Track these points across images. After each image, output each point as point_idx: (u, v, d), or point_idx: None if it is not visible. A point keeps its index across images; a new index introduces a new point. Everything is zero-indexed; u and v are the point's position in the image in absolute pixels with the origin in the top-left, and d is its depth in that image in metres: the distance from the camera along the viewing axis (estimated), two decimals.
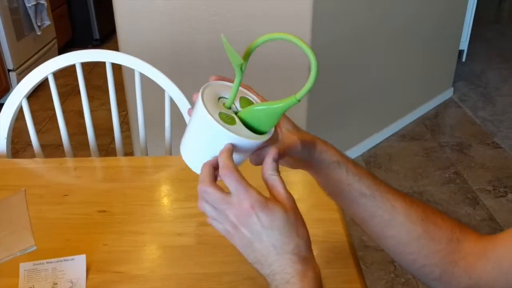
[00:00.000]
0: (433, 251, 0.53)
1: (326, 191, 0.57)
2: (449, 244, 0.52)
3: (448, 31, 2.68)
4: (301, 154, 0.52)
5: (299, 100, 0.47)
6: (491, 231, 1.88)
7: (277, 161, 0.48)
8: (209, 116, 0.47)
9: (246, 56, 0.48)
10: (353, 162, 0.55)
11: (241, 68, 0.47)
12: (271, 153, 0.48)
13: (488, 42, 3.82)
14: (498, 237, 0.52)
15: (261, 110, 0.48)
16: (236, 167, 0.47)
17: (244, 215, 0.45)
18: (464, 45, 3.28)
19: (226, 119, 0.48)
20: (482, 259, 0.51)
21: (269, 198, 0.46)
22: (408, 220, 0.53)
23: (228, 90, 0.51)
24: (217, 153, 0.48)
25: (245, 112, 0.49)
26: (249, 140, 0.47)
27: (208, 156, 0.50)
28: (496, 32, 4.09)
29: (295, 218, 0.46)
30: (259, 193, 0.45)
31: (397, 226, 0.53)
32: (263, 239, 0.45)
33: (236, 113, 0.50)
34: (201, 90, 0.49)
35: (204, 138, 0.49)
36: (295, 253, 0.45)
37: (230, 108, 0.50)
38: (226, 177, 0.46)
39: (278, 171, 0.48)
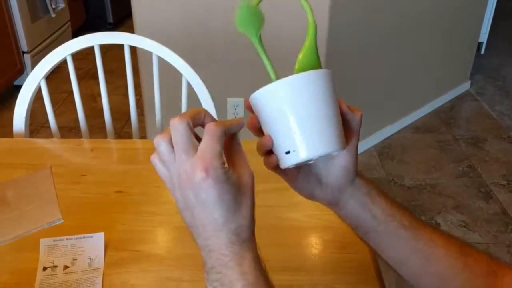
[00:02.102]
0: (475, 285, 0.50)
1: (361, 230, 0.52)
2: (488, 278, 0.50)
3: (468, 23, 2.63)
4: (352, 167, 0.49)
5: (315, 24, 0.47)
6: (504, 225, 1.86)
7: (230, 132, 0.43)
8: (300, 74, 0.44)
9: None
10: (387, 193, 0.52)
11: (259, 38, 0.47)
12: (235, 121, 0.43)
13: (508, 35, 3.74)
14: None
15: (299, 59, 0.47)
16: (225, 135, 0.42)
17: (195, 177, 0.39)
18: (483, 37, 3.22)
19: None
20: None
21: (227, 170, 0.41)
22: (448, 254, 0.50)
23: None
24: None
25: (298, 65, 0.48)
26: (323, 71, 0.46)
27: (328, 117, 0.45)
28: None
29: (247, 197, 0.42)
30: (220, 162, 0.40)
31: (438, 261, 0.50)
32: (207, 209, 0.40)
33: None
34: (256, 94, 0.46)
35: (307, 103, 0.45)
36: (236, 233, 0.41)
37: None
38: (206, 129, 0.41)
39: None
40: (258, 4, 0.47)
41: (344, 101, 0.48)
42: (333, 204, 0.52)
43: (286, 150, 0.45)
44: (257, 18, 0.46)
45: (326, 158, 0.49)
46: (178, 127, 0.41)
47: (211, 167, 0.39)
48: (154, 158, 0.44)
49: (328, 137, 0.45)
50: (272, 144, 0.45)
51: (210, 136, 0.41)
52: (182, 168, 0.41)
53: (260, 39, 0.47)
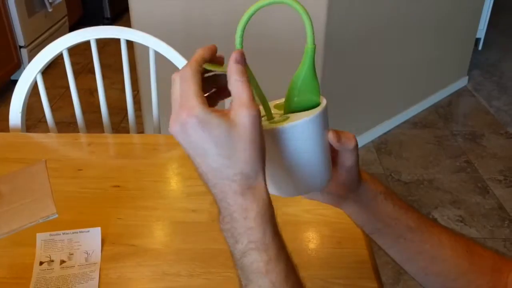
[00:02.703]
0: (479, 284, 0.50)
1: (367, 229, 0.52)
2: (493, 275, 0.50)
3: (466, 18, 2.63)
4: (353, 179, 0.47)
5: (314, 45, 0.42)
6: (500, 220, 1.87)
7: (239, 62, 0.38)
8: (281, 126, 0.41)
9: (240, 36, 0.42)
10: (396, 194, 0.51)
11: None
12: (232, 56, 0.39)
13: (505, 31, 3.74)
14: None
15: (297, 86, 0.43)
16: (197, 73, 0.38)
17: (182, 124, 0.37)
18: (481, 33, 3.22)
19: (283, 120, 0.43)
20: None
21: (213, 110, 0.37)
22: (455, 254, 0.50)
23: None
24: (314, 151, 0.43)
25: (287, 103, 0.44)
26: (318, 113, 0.42)
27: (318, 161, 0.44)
28: None
29: (244, 142, 0.36)
30: (203, 101, 0.37)
31: (444, 261, 0.50)
32: (200, 155, 0.37)
33: (281, 118, 0.44)
34: None
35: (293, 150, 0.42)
36: (237, 181, 0.37)
37: (273, 118, 0.44)
38: (181, 79, 0.38)
39: (244, 74, 0.38)
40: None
41: (333, 133, 0.43)
42: (336, 206, 0.52)
43: (275, 186, 0.46)
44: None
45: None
46: (175, 79, 0.39)
47: (194, 106, 0.36)
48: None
49: (313, 179, 0.45)
50: None
51: (182, 80, 0.38)
52: (174, 113, 0.38)
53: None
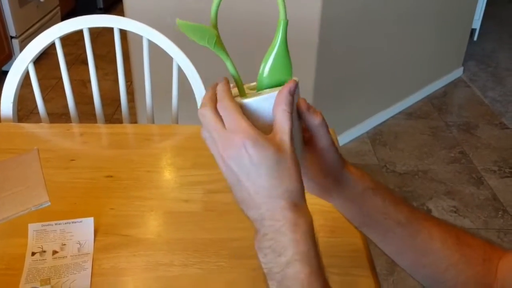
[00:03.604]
0: (470, 275, 0.51)
1: (355, 223, 0.52)
2: (483, 265, 0.51)
3: (461, 9, 2.62)
4: (332, 165, 0.48)
5: (286, 20, 0.44)
6: (494, 210, 1.88)
7: (293, 94, 0.43)
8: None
9: (214, 25, 0.45)
10: (388, 188, 0.51)
11: (216, 45, 0.44)
12: (287, 85, 0.43)
13: (501, 22, 3.74)
14: None
15: (269, 62, 0.45)
16: (233, 100, 0.43)
17: (233, 147, 0.41)
18: (476, 23, 3.22)
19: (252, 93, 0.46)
20: (509, 275, 0.49)
21: (262, 134, 0.41)
22: (444, 246, 0.51)
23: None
24: None
25: (259, 82, 0.46)
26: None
27: None
28: (510, 12, 4.00)
29: (289, 163, 0.41)
30: (253, 127, 0.41)
31: (434, 253, 0.51)
32: (252, 177, 0.41)
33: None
34: None
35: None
36: (285, 198, 0.41)
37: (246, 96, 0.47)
38: (221, 109, 0.42)
39: (291, 109, 0.43)
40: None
41: (304, 102, 0.46)
42: (323, 198, 0.52)
43: None
44: (202, 31, 0.44)
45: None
46: (202, 112, 0.43)
47: (245, 133, 0.40)
48: (203, 132, 0.44)
49: None
50: None
51: (222, 109, 0.42)
52: (220, 144, 0.42)
53: (216, 46, 0.45)
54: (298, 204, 0.41)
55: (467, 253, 0.51)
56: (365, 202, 0.50)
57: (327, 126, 0.47)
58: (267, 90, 0.46)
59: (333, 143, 0.48)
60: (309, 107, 0.46)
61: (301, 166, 0.44)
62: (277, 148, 0.41)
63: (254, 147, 0.40)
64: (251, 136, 0.40)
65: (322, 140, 0.47)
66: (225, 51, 0.46)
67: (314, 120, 0.46)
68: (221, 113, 0.42)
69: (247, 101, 0.44)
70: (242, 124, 0.41)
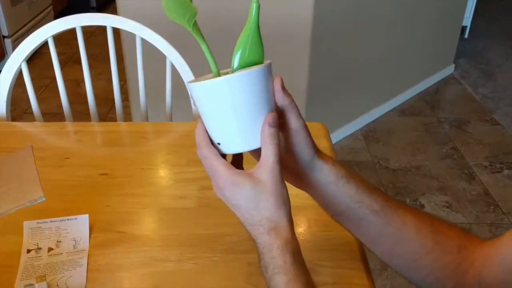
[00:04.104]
0: (445, 263, 0.51)
1: (329, 212, 0.53)
2: (459, 253, 0.51)
3: (452, 6, 2.64)
4: (304, 150, 0.49)
5: (258, 3, 0.45)
6: (486, 205, 1.90)
7: (274, 126, 0.46)
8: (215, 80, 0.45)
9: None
10: (361, 177, 0.52)
11: (194, 25, 0.45)
12: (267, 118, 0.46)
13: (491, 19, 3.77)
14: (501, 239, 0.50)
15: (244, 44, 0.46)
16: (209, 146, 0.47)
17: (217, 190, 0.48)
18: (467, 21, 3.24)
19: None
20: (488, 264, 0.50)
21: (238, 173, 0.47)
22: (419, 234, 0.51)
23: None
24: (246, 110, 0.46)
25: (234, 61, 0.47)
26: (256, 69, 0.45)
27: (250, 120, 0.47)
28: (500, 9, 4.03)
29: (267, 195, 0.46)
30: (229, 170, 0.47)
31: (408, 242, 0.51)
32: (237, 211, 0.48)
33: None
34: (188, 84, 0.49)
35: (225, 105, 0.46)
36: (263, 225, 0.46)
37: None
38: (201, 158, 0.48)
39: (275, 138, 0.46)
40: None
41: (279, 80, 0.48)
42: (296, 186, 0.53)
43: (217, 141, 0.49)
44: (184, 7, 0.45)
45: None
46: (201, 154, 0.49)
47: (222, 179, 0.47)
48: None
49: (255, 134, 0.47)
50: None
51: (202, 159, 0.49)
52: (214, 185, 0.49)
53: (194, 27, 0.46)
54: (277, 227, 0.46)
55: (442, 241, 0.51)
56: (338, 190, 0.50)
57: (297, 108, 0.49)
58: (242, 69, 0.46)
59: (305, 126, 0.49)
60: (283, 87, 0.48)
61: None
62: (255, 183, 0.46)
63: (232, 188, 0.46)
64: (228, 180, 0.46)
65: (293, 122, 0.49)
66: (201, 33, 0.46)
67: (284, 100, 0.48)
68: (202, 161, 0.48)
69: (222, 78, 0.45)
70: (220, 170, 0.47)
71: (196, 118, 1.10)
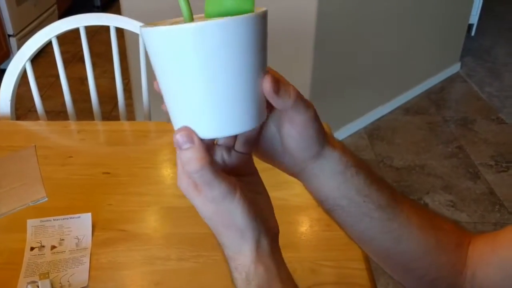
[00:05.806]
0: (442, 262, 0.48)
1: (327, 205, 0.45)
2: (455, 251, 0.48)
3: (458, 4, 2.63)
4: (315, 138, 0.40)
5: None
6: (491, 205, 1.89)
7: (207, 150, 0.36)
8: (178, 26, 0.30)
9: None
10: (369, 167, 0.45)
11: None
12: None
13: (498, 17, 3.74)
14: (497, 236, 0.46)
15: None
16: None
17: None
18: (474, 19, 3.22)
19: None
20: (482, 264, 0.47)
21: (197, 194, 0.40)
22: (421, 231, 0.46)
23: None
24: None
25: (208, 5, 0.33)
26: (243, 17, 0.31)
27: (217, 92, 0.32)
28: (508, 7, 4.00)
29: (232, 206, 0.39)
30: (188, 189, 0.40)
31: (410, 239, 0.46)
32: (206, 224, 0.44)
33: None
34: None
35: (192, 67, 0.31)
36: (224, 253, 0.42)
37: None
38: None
39: (209, 165, 0.35)
40: None
41: (269, 81, 0.35)
42: (293, 175, 0.45)
43: (182, 123, 0.34)
44: None
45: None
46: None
47: (187, 195, 0.41)
48: None
49: (239, 114, 0.33)
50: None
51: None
52: None
53: None
54: (231, 257, 0.41)
55: (441, 238, 0.47)
56: (345, 181, 0.43)
57: (303, 98, 0.39)
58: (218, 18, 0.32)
59: (316, 116, 0.40)
60: (278, 88, 0.35)
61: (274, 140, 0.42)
62: (217, 199, 0.39)
63: (195, 204, 0.41)
64: (188, 196, 0.41)
65: (303, 114, 0.39)
66: None
67: (286, 102, 0.37)
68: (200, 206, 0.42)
69: (203, 23, 0.30)
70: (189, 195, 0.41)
71: None
